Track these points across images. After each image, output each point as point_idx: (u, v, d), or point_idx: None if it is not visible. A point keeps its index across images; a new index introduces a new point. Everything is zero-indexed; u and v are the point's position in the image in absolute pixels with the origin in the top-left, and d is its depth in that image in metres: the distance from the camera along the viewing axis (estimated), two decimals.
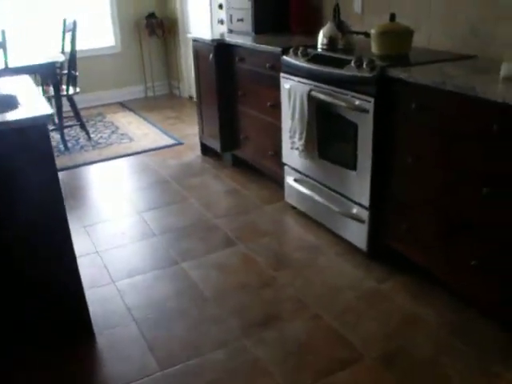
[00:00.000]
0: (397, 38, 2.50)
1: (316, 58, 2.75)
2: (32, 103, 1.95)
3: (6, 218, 1.85)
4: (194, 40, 3.94)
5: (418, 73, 2.20)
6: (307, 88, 2.67)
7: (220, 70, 3.71)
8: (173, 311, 2.33)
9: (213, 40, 3.62)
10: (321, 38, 2.88)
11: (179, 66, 6.15)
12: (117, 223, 3.19)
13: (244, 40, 3.46)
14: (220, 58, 3.67)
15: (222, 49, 3.64)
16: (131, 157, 4.33)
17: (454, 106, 2.02)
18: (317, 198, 2.90)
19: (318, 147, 2.78)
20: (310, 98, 2.66)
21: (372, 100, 2.34)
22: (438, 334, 2.12)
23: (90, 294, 2.33)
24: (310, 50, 2.83)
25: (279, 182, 3.46)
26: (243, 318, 2.27)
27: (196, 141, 4.57)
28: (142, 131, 4.98)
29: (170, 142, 4.65)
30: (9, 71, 3.83)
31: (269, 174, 3.60)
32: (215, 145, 4.01)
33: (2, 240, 1.87)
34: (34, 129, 1.73)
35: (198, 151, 4.35)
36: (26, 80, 2.47)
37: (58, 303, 2.07)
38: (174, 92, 6.44)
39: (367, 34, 2.64)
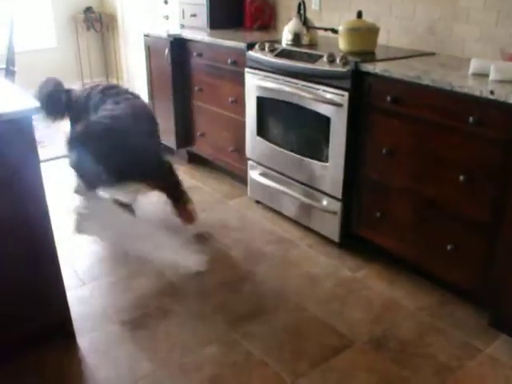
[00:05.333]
0: (364, 35, 2.58)
1: (283, 54, 2.78)
2: (7, 96, 1.84)
3: None
4: (146, 35, 3.86)
5: (390, 68, 2.29)
6: (277, 82, 2.70)
7: (175, 66, 3.65)
8: (155, 310, 2.28)
9: (169, 35, 3.56)
10: (286, 34, 2.92)
11: (118, 63, 5.98)
12: None
13: (200, 35, 3.44)
14: (175, 53, 3.61)
15: (177, 44, 3.59)
16: None
17: (431, 99, 2.13)
18: (284, 191, 2.94)
19: (287, 141, 2.81)
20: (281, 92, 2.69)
21: (346, 94, 2.41)
22: (418, 316, 2.23)
23: None
24: (276, 46, 2.86)
25: (240, 177, 3.46)
26: (227, 313, 2.26)
27: None
28: None
29: None
30: None
31: (228, 170, 3.60)
32: (170, 142, 3.94)
33: None
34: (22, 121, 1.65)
35: None
36: None
37: (40, 305, 1.96)
38: None
39: (334, 30, 2.71)
